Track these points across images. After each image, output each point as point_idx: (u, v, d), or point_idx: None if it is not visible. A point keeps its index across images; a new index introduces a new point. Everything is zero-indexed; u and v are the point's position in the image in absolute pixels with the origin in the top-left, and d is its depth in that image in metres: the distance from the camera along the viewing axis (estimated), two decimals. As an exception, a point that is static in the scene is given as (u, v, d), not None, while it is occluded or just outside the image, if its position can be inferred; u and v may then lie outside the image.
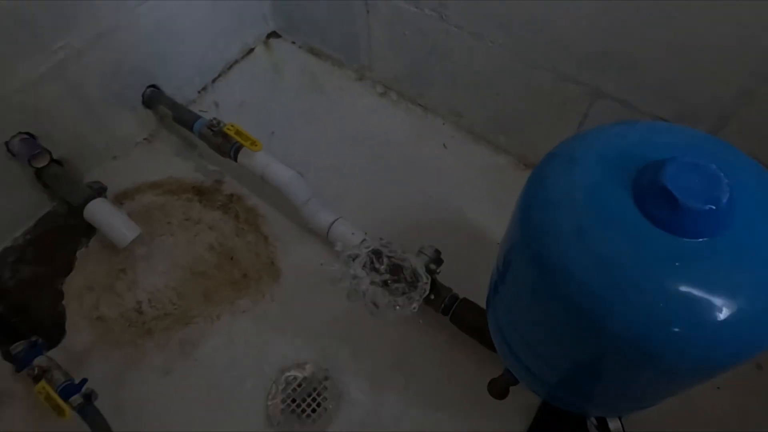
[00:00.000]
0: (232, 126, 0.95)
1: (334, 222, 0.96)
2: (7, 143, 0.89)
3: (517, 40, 0.90)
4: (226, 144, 0.98)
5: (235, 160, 0.99)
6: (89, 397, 0.77)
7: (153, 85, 1.10)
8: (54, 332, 0.92)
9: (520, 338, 0.59)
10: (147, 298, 0.95)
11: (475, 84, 1.03)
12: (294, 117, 1.18)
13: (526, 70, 0.92)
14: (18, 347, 0.80)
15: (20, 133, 0.90)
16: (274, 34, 1.31)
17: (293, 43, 1.30)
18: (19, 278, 0.97)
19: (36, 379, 0.76)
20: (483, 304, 0.73)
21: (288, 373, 0.87)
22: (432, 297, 0.81)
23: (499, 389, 0.74)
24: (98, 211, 0.91)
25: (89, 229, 1.01)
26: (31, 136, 0.92)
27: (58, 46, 0.88)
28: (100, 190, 1.05)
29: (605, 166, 0.47)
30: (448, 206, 1.05)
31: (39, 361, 0.79)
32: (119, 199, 1.06)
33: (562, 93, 0.91)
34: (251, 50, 1.28)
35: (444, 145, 1.13)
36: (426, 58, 1.06)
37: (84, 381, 0.79)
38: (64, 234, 1.02)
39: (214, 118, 0.98)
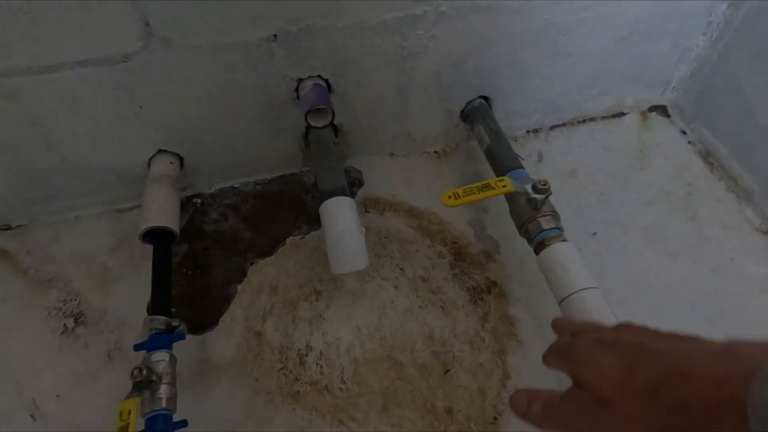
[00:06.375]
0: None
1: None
2: (300, 81, 0.70)
3: None
4: (534, 225, 0.64)
5: (535, 252, 0.64)
6: (169, 456, 0.51)
7: (485, 97, 0.81)
8: (208, 314, 0.70)
9: None
10: (320, 350, 0.67)
11: None
12: (633, 228, 0.78)
13: None
14: (155, 322, 0.59)
15: (319, 76, 0.70)
16: (660, 110, 0.92)
17: (683, 132, 0.89)
18: (220, 228, 0.78)
19: (136, 385, 0.53)
20: None
21: None
22: None
23: None
24: (335, 215, 0.65)
25: (318, 217, 0.78)
26: (327, 84, 0.71)
27: (422, -2, 0.64)
28: (354, 182, 0.82)
29: None
30: None
31: (158, 357, 0.56)
32: (367, 204, 0.81)
33: None
34: (620, 114, 0.92)
35: None
36: None
37: (182, 424, 0.54)
38: (292, 207, 0.81)
39: (544, 182, 0.64)
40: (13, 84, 0.60)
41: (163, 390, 0.54)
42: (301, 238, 0.77)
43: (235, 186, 0.83)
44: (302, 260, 0.75)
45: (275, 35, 0.63)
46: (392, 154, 0.86)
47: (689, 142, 0.88)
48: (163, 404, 0.53)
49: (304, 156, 0.82)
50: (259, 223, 0.79)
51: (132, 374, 0.53)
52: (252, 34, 0.62)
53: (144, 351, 0.58)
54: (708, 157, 0.85)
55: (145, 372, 0.53)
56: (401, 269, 0.74)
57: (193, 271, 0.74)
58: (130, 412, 0.48)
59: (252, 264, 0.75)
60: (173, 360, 0.57)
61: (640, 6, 0.73)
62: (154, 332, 0.59)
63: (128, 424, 0.48)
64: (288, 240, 0.77)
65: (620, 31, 0.75)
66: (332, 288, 0.72)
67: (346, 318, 0.69)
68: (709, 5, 0.76)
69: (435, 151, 0.87)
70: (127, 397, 0.51)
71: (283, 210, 0.81)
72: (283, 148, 0.80)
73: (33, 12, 0.53)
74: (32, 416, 0.62)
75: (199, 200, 0.81)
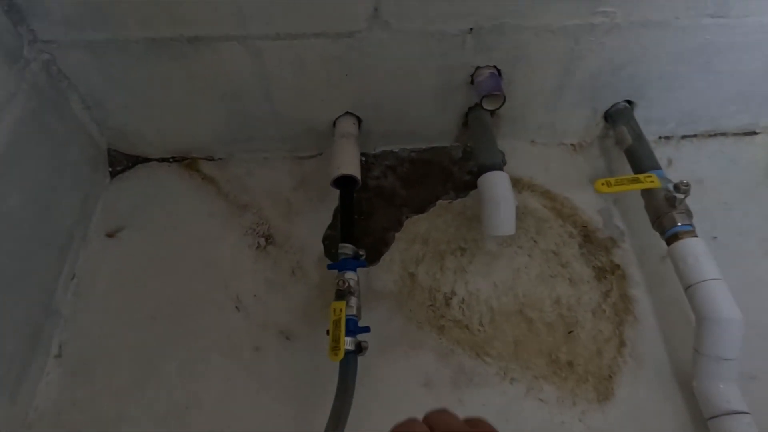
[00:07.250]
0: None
1: (730, 414, 0.63)
2: (477, 68, 0.81)
3: None
4: (669, 219, 0.73)
5: (667, 243, 0.73)
6: (360, 350, 0.66)
7: (629, 101, 0.90)
8: (371, 252, 0.84)
9: None
10: (462, 297, 0.80)
11: None
12: (752, 238, 0.85)
13: None
14: (346, 249, 0.74)
15: (494, 66, 0.81)
16: (793, 133, 0.97)
17: (813, 158, 0.94)
18: (380, 184, 0.92)
19: (339, 293, 0.68)
20: None
21: None
22: None
23: None
24: (495, 185, 0.77)
25: (464, 186, 0.91)
26: (498, 73, 0.82)
27: (600, 10, 0.73)
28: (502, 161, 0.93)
29: None
30: None
31: (349, 276, 0.71)
32: (507, 182, 0.92)
33: None
34: (753, 133, 0.97)
35: None
36: None
37: (365, 330, 0.69)
38: (441, 175, 0.93)
39: (686, 183, 0.73)
40: (261, 45, 0.75)
41: (354, 301, 0.69)
42: (450, 202, 0.90)
43: (395, 150, 0.96)
44: (450, 221, 0.88)
45: (471, 29, 0.75)
46: (533, 141, 0.97)
47: (818, 168, 0.93)
48: (354, 311, 0.68)
49: (459, 132, 0.94)
50: (413, 185, 0.93)
51: (338, 283, 0.68)
52: (453, 25, 0.74)
53: (336, 270, 0.73)
54: (836, 184, 0.90)
55: (346, 284, 0.68)
56: (535, 241, 0.85)
57: (359, 216, 0.89)
58: (341, 309, 0.64)
59: (407, 218, 0.88)
60: (358, 280, 0.72)
61: (797, 36, 0.79)
62: (343, 257, 0.74)
63: (340, 318, 0.63)
64: (438, 202, 0.90)
65: (773, 56, 0.82)
66: (475, 247, 0.84)
67: (485, 274, 0.82)
68: None
69: (571, 144, 0.97)
70: (336, 300, 0.66)
71: (432, 177, 0.94)
72: (443, 124, 0.92)
73: (298, -8, 0.68)
74: (237, 307, 0.79)
75: (364, 158, 0.95)
